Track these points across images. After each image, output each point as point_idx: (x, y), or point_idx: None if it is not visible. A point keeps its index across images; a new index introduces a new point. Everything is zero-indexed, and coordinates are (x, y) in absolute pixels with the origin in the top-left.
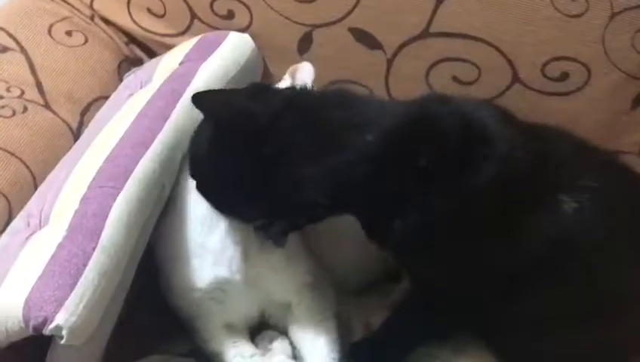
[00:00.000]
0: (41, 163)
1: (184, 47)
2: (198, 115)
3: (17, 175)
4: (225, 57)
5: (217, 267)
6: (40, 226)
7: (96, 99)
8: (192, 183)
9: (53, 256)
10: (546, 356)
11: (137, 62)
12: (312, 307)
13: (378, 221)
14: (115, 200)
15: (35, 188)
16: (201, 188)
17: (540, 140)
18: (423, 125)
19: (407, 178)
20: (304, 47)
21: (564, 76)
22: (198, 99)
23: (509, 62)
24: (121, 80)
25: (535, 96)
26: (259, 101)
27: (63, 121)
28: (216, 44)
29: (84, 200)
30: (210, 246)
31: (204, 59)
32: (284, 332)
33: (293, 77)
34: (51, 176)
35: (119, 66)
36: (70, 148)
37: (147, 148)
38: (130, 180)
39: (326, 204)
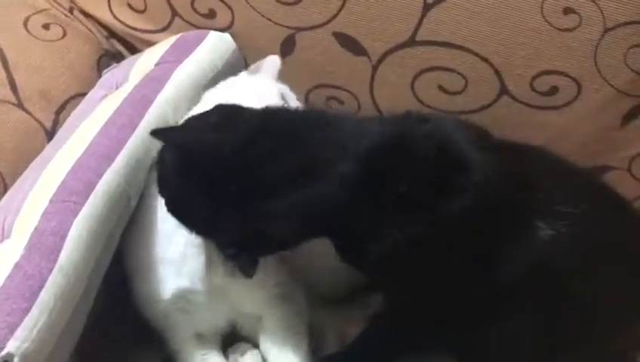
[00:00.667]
0: (11, 165)
1: (162, 46)
2: (167, 124)
3: None
4: (201, 59)
5: (179, 278)
6: (2, 237)
7: (73, 97)
8: (158, 198)
9: (8, 277)
10: None
11: (118, 57)
12: (282, 319)
13: (352, 244)
14: (75, 216)
15: (6, 190)
16: (172, 211)
17: (518, 164)
18: (399, 151)
19: (382, 204)
20: (287, 49)
21: (553, 90)
22: (159, 134)
23: (497, 73)
24: (100, 75)
25: (523, 109)
26: (224, 129)
27: (37, 120)
28: (195, 44)
29: (45, 215)
30: (170, 257)
31: (180, 61)
32: (256, 344)
33: (258, 69)
34: (20, 180)
35: (99, 61)
36: (43, 148)
37: (112, 160)
38: (92, 196)
39: (298, 235)
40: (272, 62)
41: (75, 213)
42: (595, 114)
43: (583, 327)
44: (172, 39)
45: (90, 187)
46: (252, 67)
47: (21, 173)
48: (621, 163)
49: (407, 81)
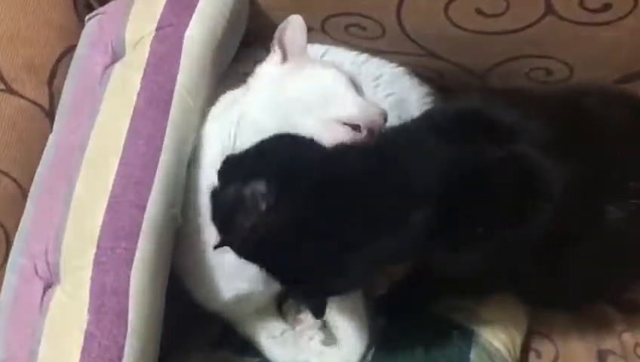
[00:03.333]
0: (19, 164)
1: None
2: (193, 114)
3: None
4: (207, 15)
5: (239, 283)
6: (52, 278)
7: (60, 58)
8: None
9: (84, 350)
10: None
11: None
12: None
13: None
14: (131, 267)
15: (22, 193)
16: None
17: (588, 142)
18: (475, 186)
19: (460, 241)
20: None
21: (606, 7)
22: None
23: None
24: (80, 19)
25: (571, 27)
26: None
27: (32, 102)
28: None
29: (98, 265)
30: (228, 262)
31: (185, 23)
32: None
33: (281, 43)
34: (40, 196)
35: (75, 4)
36: (45, 132)
37: (150, 186)
38: (141, 237)
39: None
40: (299, 29)
41: (130, 262)
42: None
43: None
44: None
45: (136, 226)
46: (276, 34)
47: (33, 171)
48: None
49: (439, 6)
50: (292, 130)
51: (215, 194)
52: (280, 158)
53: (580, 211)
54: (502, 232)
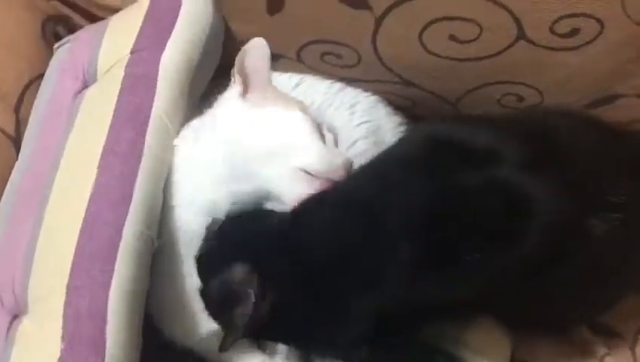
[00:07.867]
0: None
1: (132, 21)
2: (170, 136)
3: None
4: (184, 40)
5: (212, 323)
6: (19, 310)
7: (28, 85)
8: (179, 231)
9: None
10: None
11: (64, 21)
12: None
13: None
14: (108, 291)
15: None
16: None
17: (563, 157)
18: (454, 216)
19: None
20: (275, 6)
21: (574, 32)
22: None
23: (516, 20)
24: (48, 46)
25: (540, 52)
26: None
27: None
28: (172, 17)
29: (73, 290)
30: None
31: (161, 47)
32: None
33: (242, 71)
34: (6, 224)
35: (43, 29)
36: (11, 160)
37: (127, 206)
38: (118, 260)
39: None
40: (261, 52)
41: (106, 287)
42: (615, 50)
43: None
44: (141, 12)
45: (113, 248)
46: (237, 60)
47: None
48: (631, 90)
49: (414, 32)
50: (245, 178)
51: (203, 292)
52: (248, 239)
53: (564, 233)
54: (492, 258)
